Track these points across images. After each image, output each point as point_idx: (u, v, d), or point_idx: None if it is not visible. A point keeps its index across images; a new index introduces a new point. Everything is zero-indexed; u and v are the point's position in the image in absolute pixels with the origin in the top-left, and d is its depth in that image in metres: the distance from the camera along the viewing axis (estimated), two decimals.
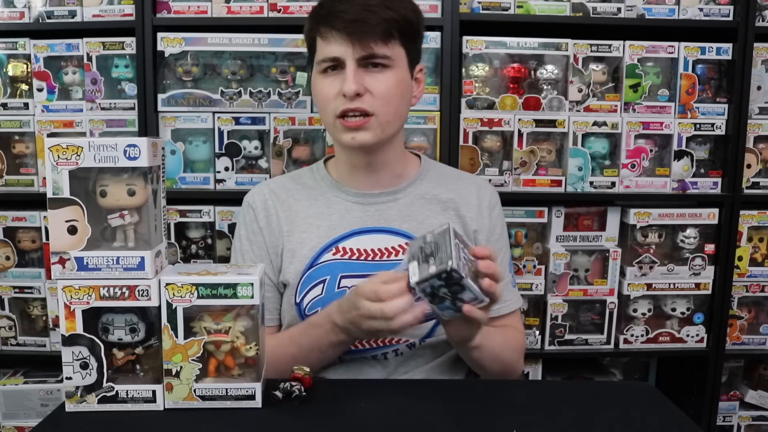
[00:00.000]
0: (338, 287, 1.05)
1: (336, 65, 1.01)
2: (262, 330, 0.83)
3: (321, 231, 1.08)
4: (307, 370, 0.87)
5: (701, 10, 1.61)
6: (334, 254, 1.07)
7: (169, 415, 0.80)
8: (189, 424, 0.78)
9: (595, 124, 1.61)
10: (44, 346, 1.66)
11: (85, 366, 0.79)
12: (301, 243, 1.08)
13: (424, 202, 1.12)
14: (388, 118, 1.02)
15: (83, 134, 1.60)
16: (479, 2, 1.58)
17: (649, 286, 1.66)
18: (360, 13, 0.97)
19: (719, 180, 1.67)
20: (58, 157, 0.76)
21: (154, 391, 0.81)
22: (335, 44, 0.99)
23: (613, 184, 1.64)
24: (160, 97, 1.59)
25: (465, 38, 1.58)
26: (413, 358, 1.08)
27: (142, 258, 0.78)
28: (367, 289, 0.88)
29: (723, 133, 1.65)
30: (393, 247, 1.07)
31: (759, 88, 1.66)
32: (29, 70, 1.62)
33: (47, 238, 1.57)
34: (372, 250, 1.07)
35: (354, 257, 1.06)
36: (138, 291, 0.78)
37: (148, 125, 1.58)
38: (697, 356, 1.72)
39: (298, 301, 1.07)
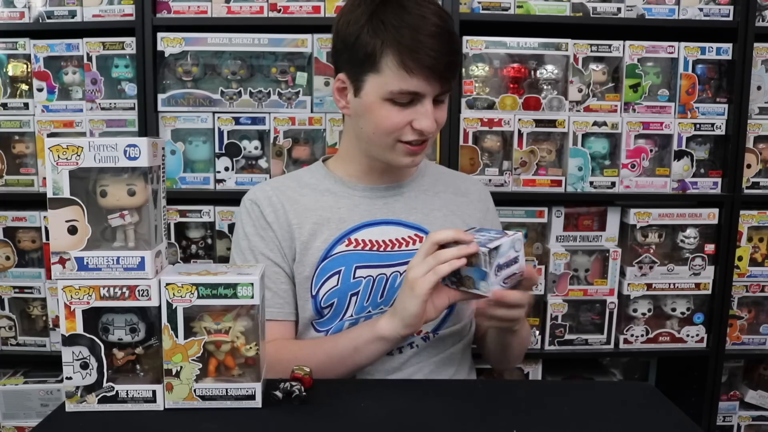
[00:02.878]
0: (353, 277, 1.06)
1: (411, 98, 0.99)
2: (262, 329, 0.83)
3: (332, 224, 1.09)
4: (308, 370, 0.87)
5: (701, 10, 1.61)
6: (347, 246, 1.08)
7: (169, 415, 0.80)
8: (189, 424, 0.78)
9: (595, 124, 1.61)
10: (44, 346, 1.66)
11: (85, 366, 0.79)
12: (313, 235, 1.08)
13: (427, 197, 1.15)
14: (434, 138, 1.10)
15: (83, 134, 1.60)
16: (479, 2, 1.58)
17: (649, 286, 1.66)
18: (451, 53, 0.98)
19: (719, 180, 1.67)
20: (58, 157, 0.76)
21: (154, 391, 0.81)
22: (422, 81, 0.97)
23: (613, 184, 1.64)
24: (160, 97, 1.59)
25: (465, 38, 1.58)
26: (426, 349, 1.10)
27: (142, 258, 0.78)
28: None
29: (723, 133, 1.65)
30: (403, 238, 1.09)
31: (759, 88, 1.66)
32: (29, 70, 1.62)
33: (47, 238, 1.57)
34: (383, 241, 1.08)
35: (367, 248, 1.08)
36: (138, 291, 0.78)
37: (148, 125, 1.58)
38: (697, 356, 1.72)
39: (314, 293, 1.08)
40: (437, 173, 1.22)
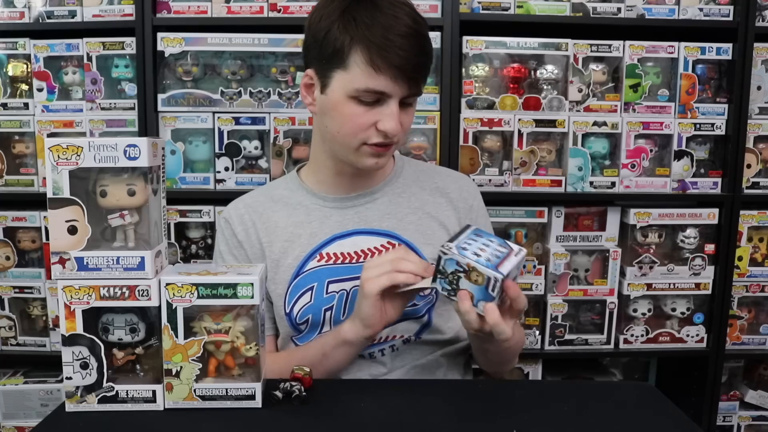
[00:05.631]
0: (326, 293, 1.05)
1: (377, 98, 0.97)
2: (261, 329, 0.83)
3: (303, 239, 1.08)
4: (308, 370, 0.87)
5: (701, 10, 1.61)
6: (318, 261, 1.06)
7: (169, 415, 0.80)
8: (189, 424, 0.78)
9: (595, 124, 1.62)
10: (44, 346, 1.66)
11: (85, 366, 0.79)
12: (284, 253, 1.07)
13: (402, 200, 1.12)
14: (402, 142, 1.05)
15: (83, 134, 1.60)
16: (479, 2, 1.58)
17: (649, 286, 1.67)
18: (420, 54, 0.96)
19: (719, 180, 1.67)
20: (58, 157, 0.76)
21: (154, 391, 0.81)
22: (389, 80, 0.94)
23: (613, 184, 1.64)
24: (160, 97, 1.59)
25: (465, 38, 1.58)
26: (408, 352, 1.08)
27: (142, 258, 0.78)
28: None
29: (723, 133, 1.65)
30: (375, 248, 1.07)
31: (759, 88, 1.66)
32: (29, 70, 1.62)
33: (47, 238, 1.57)
34: (356, 253, 1.06)
35: (339, 261, 1.06)
36: (138, 291, 0.78)
37: (148, 125, 1.58)
38: (697, 356, 1.72)
39: (288, 311, 1.07)
40: (416, 172, 1.17)
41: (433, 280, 0.88)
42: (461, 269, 0.83)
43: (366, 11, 0.94)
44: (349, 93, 0.97)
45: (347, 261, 1.06)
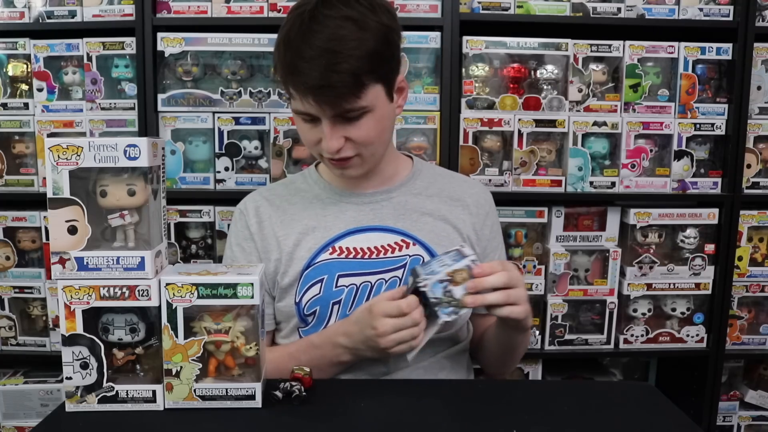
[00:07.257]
0: (336, 286, 1.06)
1: (312, 117, 0.98)
2: (261, 329, 0.83)
3: (317, 232, 1.08)
4: (307, 370, 0.87)
5: (701, 10, 1.61)
6: (330, 254, 1.07)
7: (169, 415, 0.80)
8: (189, 424, 0.78)
9: (595, 124, 1.61)
10: (44, 346, 1.66)
11: (85, 366, 0.79)
12: (298, 245, 1.08)
13: (418, 201, 1.13)
14: (372, 152, 1.03)
15: (83, 134, 1.60)
16: (479, 2, 1.58)
17: (649, 286, 1.67)
18: (324, 75, 0.90)
19: (719, 180, 1.67)
20: (58, 157, 0.76)
21: (154, 391, 0.81)
22: (308, 103, 0.94)
23: (613, 184, 1.64)
24: (160, 97, 1.59)
25: (465, 38, 1.58)
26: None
27: (142, 258, 0.78)
28: (384, 307, 0.92)
29: (723, 133, 1.65)
30: (389, 245, 1.07)
31: (759, 88, 1.66)
32: (29, 70, 1.62)
33: (47, 238, 1.57)
34: (368, 248, 1.07)
35: (350, 256, 1.07)
36: (138, 291, 0.78)
37: (148, 125, 1.58)
38: (697, 356, 1.72)
39: (297, 300, 1.07)
40: (432, 176, 1.18)
41: (435, 317, 0.90)
42: (446, 281, 0.88)
43: (295, 32, 0.93)
44: (293, 107, 1.00)
45: (359, 256, 1.07)
